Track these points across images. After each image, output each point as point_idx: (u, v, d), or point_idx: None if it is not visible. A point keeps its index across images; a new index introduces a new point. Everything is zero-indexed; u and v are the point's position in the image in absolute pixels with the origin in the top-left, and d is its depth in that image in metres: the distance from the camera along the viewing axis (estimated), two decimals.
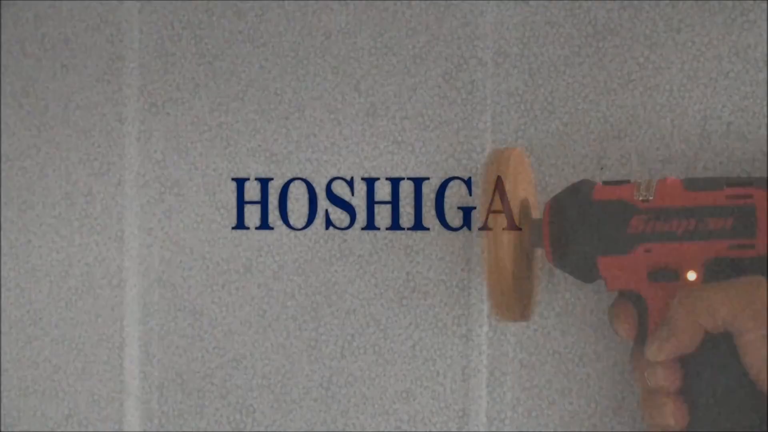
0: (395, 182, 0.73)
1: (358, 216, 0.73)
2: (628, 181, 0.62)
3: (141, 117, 0.75)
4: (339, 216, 0.74)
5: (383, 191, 0.73)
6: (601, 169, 0.69)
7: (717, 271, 0.60)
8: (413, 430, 0.73)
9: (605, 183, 0.62)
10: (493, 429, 0.72)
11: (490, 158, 0.64)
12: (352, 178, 0.73)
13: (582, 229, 0.61)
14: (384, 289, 0.73)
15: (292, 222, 0.74)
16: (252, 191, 0.74)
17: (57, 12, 0.76)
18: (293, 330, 0.74)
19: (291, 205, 0.74)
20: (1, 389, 0.77)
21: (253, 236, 0.74)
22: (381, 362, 0.73)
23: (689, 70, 0.70)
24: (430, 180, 0.72)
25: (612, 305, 0.64)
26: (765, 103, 0.69)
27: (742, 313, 0.57)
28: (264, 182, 0.74)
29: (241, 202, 0.74)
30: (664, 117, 0.70)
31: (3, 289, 0.77)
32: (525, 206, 0.65)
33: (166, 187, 0.75)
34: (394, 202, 0.73)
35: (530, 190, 0.68)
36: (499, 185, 0.62)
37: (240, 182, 0.74)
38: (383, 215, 0.73)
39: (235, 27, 0.74)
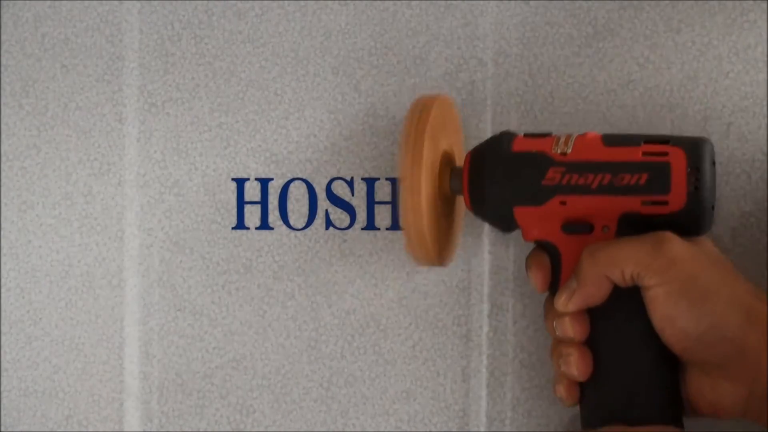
0: (395, 182, 0.73)
1: (358, 216, 0.73)
2: (549, 134, 0.62)
3: (141, 117, 0.75)
4: (339, 216, 0.74)
5: (383, 191, 0.73)
6: None
7: (630, 227, 0.60)
8: (413, 430, 0.73)
9: (527, 135, 0.63)
10: (493, 429, 0.72)
11: (414, 104, 0.64)
12: (352, 178, 0.73)
13: (499, 179, 0.62)
14: (384, 289, 0.73)
15: (292, 222, 0.74)
16: (252, 191, 0.74)
17: (57, 12, 0.76)
18: (293, 330, 0.74)
19: (291, 206, 0.74)
20: (1, 389, 0.77)
21: (253, 236, 0.74)
22: (381, 362, 0.73)
23: (689, 70, 0.70)
24: None
25: (528, 255, 0.64)
26: (765, 103, 0.69)
27: (649, 267, 0.58)
28: (264, 182, 0.74)
29: (241, 202, 0.74)
30: (664, 117, 0.70)
31: (3, 289, 0.76)
32: (447, 154, 0.66)
33: (166, 187, 0.75)
34: (394, 202, 0.73)
35: (457, 138, 0.69)
36: (418, 132, 0.62)
37: (240, 182, 0.74)
38: (383, 215, 0.73)
39: (235, 27, 0.74)
